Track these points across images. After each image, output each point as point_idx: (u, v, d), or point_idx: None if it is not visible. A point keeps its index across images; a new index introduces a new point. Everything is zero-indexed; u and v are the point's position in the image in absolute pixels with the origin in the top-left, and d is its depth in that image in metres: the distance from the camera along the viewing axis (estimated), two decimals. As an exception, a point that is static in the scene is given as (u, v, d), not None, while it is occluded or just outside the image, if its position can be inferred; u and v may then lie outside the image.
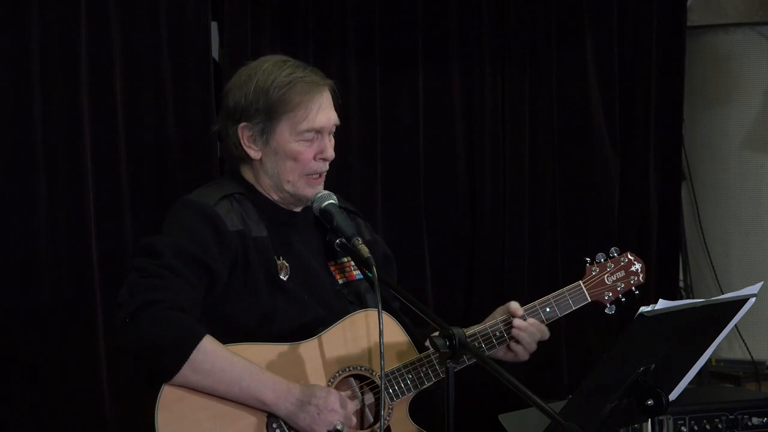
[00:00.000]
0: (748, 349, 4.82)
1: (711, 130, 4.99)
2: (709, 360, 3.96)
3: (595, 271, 3.08)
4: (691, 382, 2.95)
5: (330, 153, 2.95)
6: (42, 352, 3.62)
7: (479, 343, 2.95)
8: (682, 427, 3.83)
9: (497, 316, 3.01)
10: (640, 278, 3.12)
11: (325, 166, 2.96)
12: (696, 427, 3.84)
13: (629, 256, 3.12)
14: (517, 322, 2.96)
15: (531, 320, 2.98)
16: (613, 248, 3.11)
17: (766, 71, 4.92)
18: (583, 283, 3.06)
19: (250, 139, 2.94)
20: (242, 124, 2.93)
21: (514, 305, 2.99)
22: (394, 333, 2.91)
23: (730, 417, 3.89)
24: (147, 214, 3.74)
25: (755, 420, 3.91)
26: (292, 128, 2.90)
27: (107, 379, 3.66)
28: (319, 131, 2.93)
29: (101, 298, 3.63)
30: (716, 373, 4.89)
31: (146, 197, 3.78)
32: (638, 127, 4.85)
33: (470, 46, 4.49)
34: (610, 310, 3.08)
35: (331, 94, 2.98)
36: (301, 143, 2.91)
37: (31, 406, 3.61)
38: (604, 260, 3.09)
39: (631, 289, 3.11)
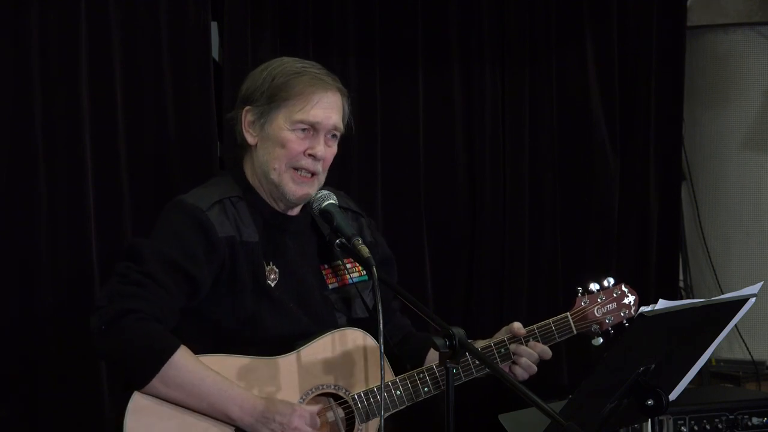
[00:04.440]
0: (748, 349, 4.82)
1: (711, 130, 4.99)
2: (709, 360, 3.96)
3: (585, 302, 3.00)
4: (691, 382, 2.95)
5: (319, 151, 2.90)
6: (42, 352, 3.62)
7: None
8: (682, 427, 3.83)
9: (500, 336, 2.98)
10: (632, 311, 3.03)
11: (315, 167, 2.91)
12: (696, 427, 3.85)
13: (623, 288, 3.05)
14: (514, 347, 2.94)
15: (532, 343, 2.95)
16: (607, 279, 3.04)
17: (766, 71, 4.92)
18: (571, 315, 2.99)
19: (250, 124, 2.94)
20: (246, 108, 2.94)
21: (516, 326, 2.96)
22: (372, 352, 2.90)
23: (730, 417, 3.89)
24: (147, 214, 3.73)
25: (755, 420, 3.91)
26: (287, 116, 2.89)
27: (107, 379, 3.66)
28: (314, 127, 2.90)
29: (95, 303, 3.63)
30: (716, 373, 4.89)
31: (146, 197, 3.78)
32: (638, 127, 4.85)
33: (470, 46, 4.49)
34: (596, 342, 3.01)
35: (340, 98, 2.95)
36: (293, 133, 2.89)
37: (31, 406, 3.61)
38: (597, 291, 3.01)
39: (621, 322, 3.02)
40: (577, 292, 3.01)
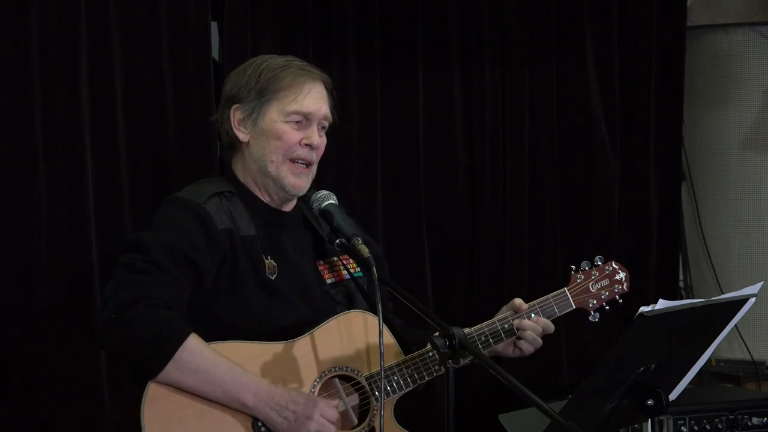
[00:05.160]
0: (748, 349, 4.82)
1: (711, 130, 4.99)
2: (709, 360, 3.96)
3: (580, 278, 3.09)
4: (691, 382, 2.95)
5: (315, 140, 2.93)
6: (42, 352, 3.62)
7: (486, 336, 2.97)
8: (682, 427, 3.83)
9: (503, 313, 3.03)
10: (624, 287, 3.14)
11: (311, 156, 2.95)
12: (696, 427, 3.84)
13: (614, 265, 3.14)
14: (518, 322, 2.99)
15: (535, 317, 3.01)
16: (597, 257, 3.13)
17: (766, 71, 4.92)
18: (568, 290, 3.07)
19: (241, 122, 2.96)
20: (235, 106, 2.96)
21: (518, 302, 3.02)
22: (384, 337, 2.90)
23: (730, 417, 3.89)
24: (147, 214, 3.72)
25: (755, 420, 3.91)
26: (280, 109, 2.92)
27: (107, 379, 3.66)
28: (307, 117, 2.93)
29: (101, 298, 3.62)
30: (716, 373, 4.89)
31: (146, 197, 3.78)
32: (638, 127, 4.85)
33: (470, 46, 4.49)
34: (594, 317, 3.09)
35: (326, 90, 2.99)
36: (288, 124, 2.92)
37: (31, 406, 3.61)
38: (589, 268, 3.11)
39: (615, 298, 3.12)
40: (571, 269, 3.10)
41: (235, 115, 2.95)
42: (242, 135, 2.96)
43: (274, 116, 2.92)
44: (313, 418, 2.72)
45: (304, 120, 2.94)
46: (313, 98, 2.94)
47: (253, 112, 2.94)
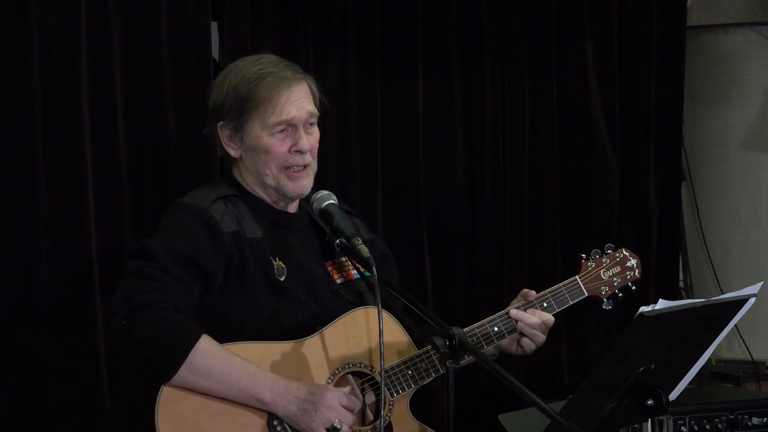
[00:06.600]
0: (748, 349, 4.82)
1: (711, 130, 4.99)
2: (709, 360, 3.96)
3: (590, 266, 3.09)
4: (691, 382, 2.95)
5: (304, 144, 2.92)
6: (42, 352, 3.62)
7: (499, 327, 2.97)
8: (682, 427, 3.83)
9: (515, 304, 3.03)
10: (636, 273, 3.13)
11: (305, 159, 2.94)
12: (696, 427, 3.85)
13: (624, 252, 3.13)
14: (519, 316, 2.98)
15: (530, 310, 2.99)
16: (607, 244, 3.12)
17: (766, 71, 4.92)
18: (580, 278, 3.07)
19: (229, 138, 2.96)
20: (220, 123, 2.96)
21: (527, 293, 3.02)
22: (394, 331, 2.92)
23: (730, 417, 3.89)
24: (147, 214, 3.74)
25: (755, 420, 3.91)
26: (262, 123, 2.91)
27: (107, 379, 3.66)
28: (290, 124, 2.92)
29: (101, 298, 3.63)
30: (716, 373, 4.89)
31: (146, 197, 3.78)
32: (638, 127, 4.85)
33: (470, 45, 4.49)
34: (607, 305, 3.09)
35: (307, 87, 2.96)
36: (274, 136, 2.91)
37: (31, 405, 3.61)
38: (599, 256, 3.10)
39: (627, 285, 3.11)
40: (581, 257, 3.09)
41: (223, 132, 2.96)
42: (233, 151, 2.97)
43: (257, 132, 2.92)
44: (333, 406, 2.72)
45: (289, 128, 2.92)
46: (293, 103, 2.92)
47: (238, 130, 2.94)
